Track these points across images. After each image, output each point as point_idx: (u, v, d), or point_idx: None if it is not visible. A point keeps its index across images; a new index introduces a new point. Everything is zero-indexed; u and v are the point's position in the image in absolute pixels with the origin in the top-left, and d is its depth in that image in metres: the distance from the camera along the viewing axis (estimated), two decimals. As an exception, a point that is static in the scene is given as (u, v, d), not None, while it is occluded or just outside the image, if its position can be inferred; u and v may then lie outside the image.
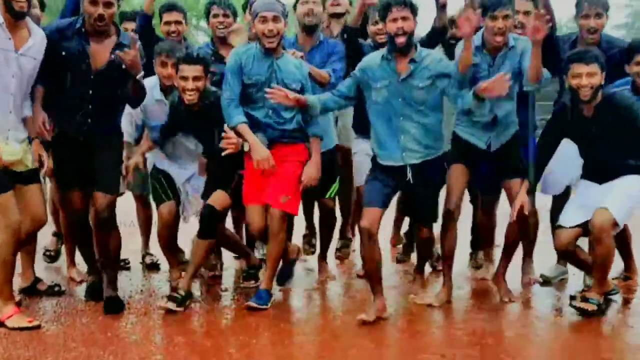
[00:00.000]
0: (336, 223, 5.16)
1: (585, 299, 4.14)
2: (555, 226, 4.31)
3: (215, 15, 5.13)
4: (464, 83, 4.12)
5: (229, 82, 4.34)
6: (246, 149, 4.23)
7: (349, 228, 5.54)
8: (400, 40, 4.07)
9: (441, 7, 4.77)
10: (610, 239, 4.06)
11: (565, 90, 4.32)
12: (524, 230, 4.44)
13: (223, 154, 4.22)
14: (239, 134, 4.25)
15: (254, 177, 4.31)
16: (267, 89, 4.23)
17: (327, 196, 4.87)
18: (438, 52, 4.58)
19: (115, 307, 4.23)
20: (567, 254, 4.35)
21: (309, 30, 4.80)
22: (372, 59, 4.25)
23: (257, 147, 4.22)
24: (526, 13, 4.60)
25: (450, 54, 4.78)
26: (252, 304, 4.29)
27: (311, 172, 4.33)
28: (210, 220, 4.35)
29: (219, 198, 4.36)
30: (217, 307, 4.42)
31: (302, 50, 4.73)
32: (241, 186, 4.40)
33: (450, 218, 4.37)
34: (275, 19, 4.25)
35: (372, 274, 4.14)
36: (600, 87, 4.10)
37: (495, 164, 4.39)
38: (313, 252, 5.40)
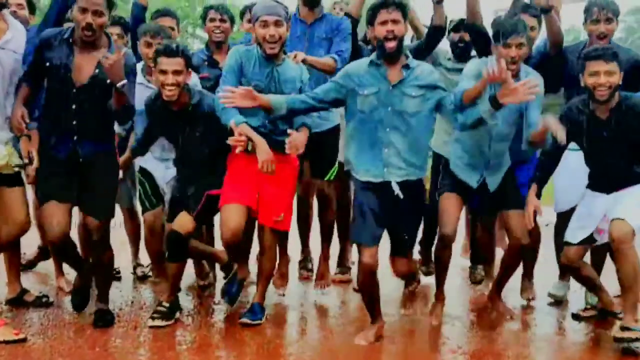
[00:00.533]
0: (335, 218, 4.93)
1: (625, 328, 3.78)
2: (563, 242, 4.17)
3: (212, 20, 5.05)
4: (462, 108, 3.82)
5: (228, 80, 4.07)
6: (249, 148, 3.95)
7: (349, 256, 5.36)
8: (390, 45, 3.77)
9: (437, 2, 4.55)
10: (633, 250, 3.79)
11: (577, 94, 4.14)
12: (529, 247, 4.29)
13: (237, 151, 3.91)
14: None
15: (239, 178, 4.08)
16: (220, 94, 3.91)
17: (326, 178, 4.68)
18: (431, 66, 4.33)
19: (105, 320, 4.09)
20: (572, 270, 4.22)
21: (311, 4, 4.62)
22: (358, 64, 3.93)
23: (264, 148, 3.94)
24: (531, 29, 4.49)
25: (457, 56, 4.68)
26: (245, 320, 4.16)
27: (300, 138, 3.94)
28: (176, 245, 4.15)
29: (184, 222, 4.12)
30: (209, 321, 4.28)
31: (304, 23, 4.59)
32: (211, 205, 4.16)
33: (446, 242, 4.17)
34: (277, 23, 4.01)
35: (370, 304, 3.96)
36: (618, 87, 3.88)
37: (492, 198, 4.25)
38: (309, 277, 5.23)
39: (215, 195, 4.14)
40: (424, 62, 4.46)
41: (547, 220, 4.93)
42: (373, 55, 3.90)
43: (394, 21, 3.77)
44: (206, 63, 4.97)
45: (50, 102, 3.95)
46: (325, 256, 4.94)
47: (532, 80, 3.75)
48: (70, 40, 3.88)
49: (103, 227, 4.02)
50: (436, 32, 4.68)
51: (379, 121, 3.83)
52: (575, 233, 4.09)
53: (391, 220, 3.91)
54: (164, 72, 4.01)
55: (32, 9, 4.87)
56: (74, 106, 3.87)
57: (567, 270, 4.33)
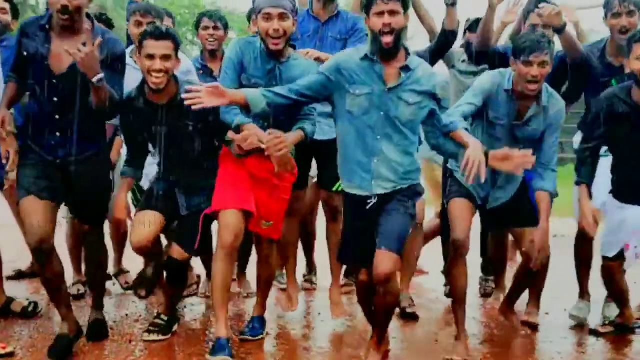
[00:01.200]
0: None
1: None
2: (602, 256, 3.98)
3: (206, 28, 4.89)
4: (447, 137, 3.50)
5: (228, 77, 3.70)
6: (262, 146, 3.54)
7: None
8: (387, 39, 3.29)
9: (451, 5, 4.27)
10: None
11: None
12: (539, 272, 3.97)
13: (245, 146, 3.54)
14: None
15: (234, 181, 3.76)
16: (184, 95, 3.40)
17: (334, 189, 4.33)
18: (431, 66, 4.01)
19: (99, 333, 3.87)
20: (610, 283, 4.01)
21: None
22: (350, 56, 3.44)
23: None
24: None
25: (473, 58, 4.51)
26: (246, 337, 3.96)
27: (285, 136, 3.52)
28: (175, 272, 3.93)
29: (181, 251, 3.84)
30: (208, 336, 4.06)
31: (318, 20, 4.35)
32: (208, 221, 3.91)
33: (459, 250, 3.70)
34: (281, 16, 3.63)
35: (372, 319, 3.70)
36: None
37: (503, 212, 3.88)
38: (314, 289, 5.08)
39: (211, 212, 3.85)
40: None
41: (555, 231, 4.74)
42: (367, 49, 3.42)
43: (392, 12, 3.30)
44: (201, 72, 4.80)
45: (33, 96, 3.66)
46: (336, 281, 4.42)
47: (530, 157, 3.35)
48: (47, 27, 3.57)
49: (96, 229, 3.84)
50: (448, 36, 4.42)
51: (369, 127, 3.38)
52: (608, 248, 3.89)
53: (378, 222, 3.46)
54: (151, 56, 3.60)
55: (15, 14, 4.69)
56: (55, 99, 3.56)
57: (605, 281, 4.08)
